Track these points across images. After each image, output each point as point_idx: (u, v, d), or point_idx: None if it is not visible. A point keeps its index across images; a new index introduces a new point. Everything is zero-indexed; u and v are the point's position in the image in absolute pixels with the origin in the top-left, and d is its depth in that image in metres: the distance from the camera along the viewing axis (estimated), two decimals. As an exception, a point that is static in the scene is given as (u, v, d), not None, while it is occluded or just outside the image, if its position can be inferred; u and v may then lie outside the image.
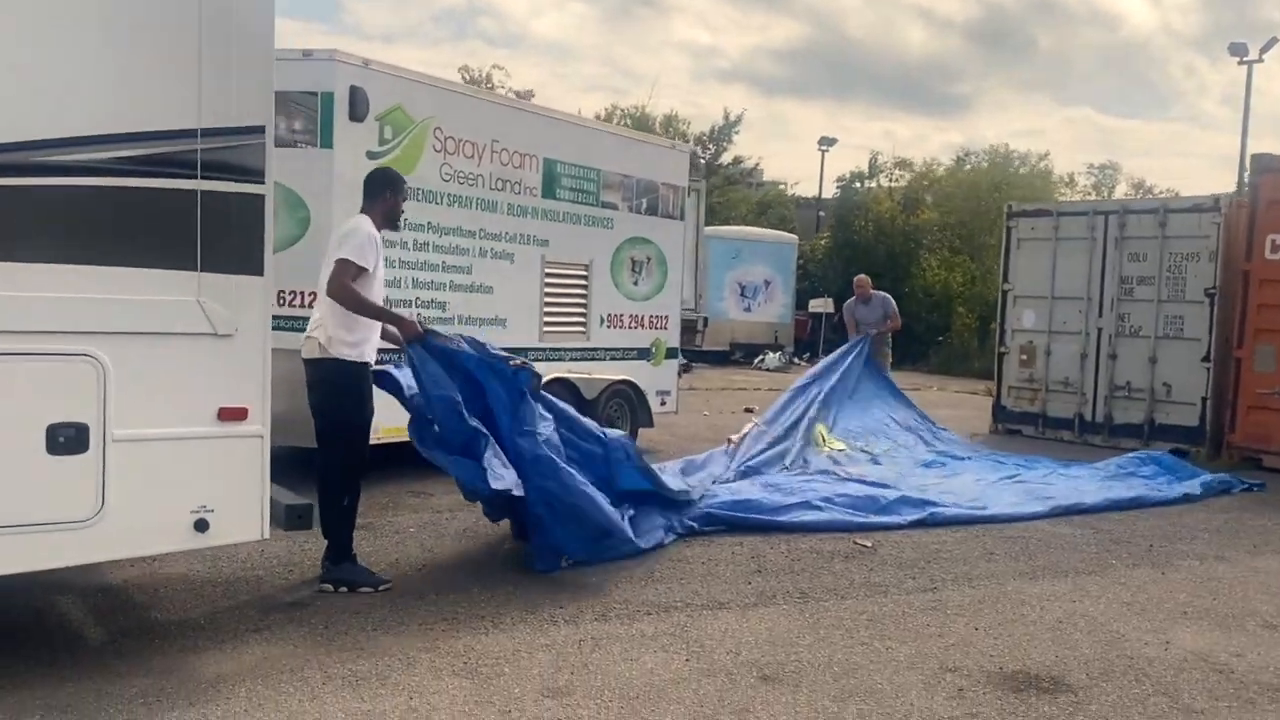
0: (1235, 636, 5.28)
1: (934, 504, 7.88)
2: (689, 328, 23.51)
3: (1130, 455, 10.24)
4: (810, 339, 28.85)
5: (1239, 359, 11.40)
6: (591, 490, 6.03)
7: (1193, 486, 9.11)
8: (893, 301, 12.52)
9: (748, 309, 26.73)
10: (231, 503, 4.23)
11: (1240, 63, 29.80)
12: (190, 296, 4.08)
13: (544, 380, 9.27)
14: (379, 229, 5.46)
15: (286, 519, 4.49)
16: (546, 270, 9.44)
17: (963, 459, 10.41)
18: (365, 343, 5.43)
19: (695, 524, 7.06)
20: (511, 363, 5.84)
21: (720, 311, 26.07)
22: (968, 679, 4.53)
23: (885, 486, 8.27)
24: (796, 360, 27.24)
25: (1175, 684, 4.56)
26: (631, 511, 6.55)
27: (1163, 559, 6.90)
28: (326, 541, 5.43)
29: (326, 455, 5.43)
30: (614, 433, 6.84)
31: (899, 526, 7.45)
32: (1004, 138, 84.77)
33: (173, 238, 4.04)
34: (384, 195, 5.55)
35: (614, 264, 10.24)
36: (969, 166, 41.78)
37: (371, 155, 7.78)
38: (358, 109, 7.66)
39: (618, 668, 4.50)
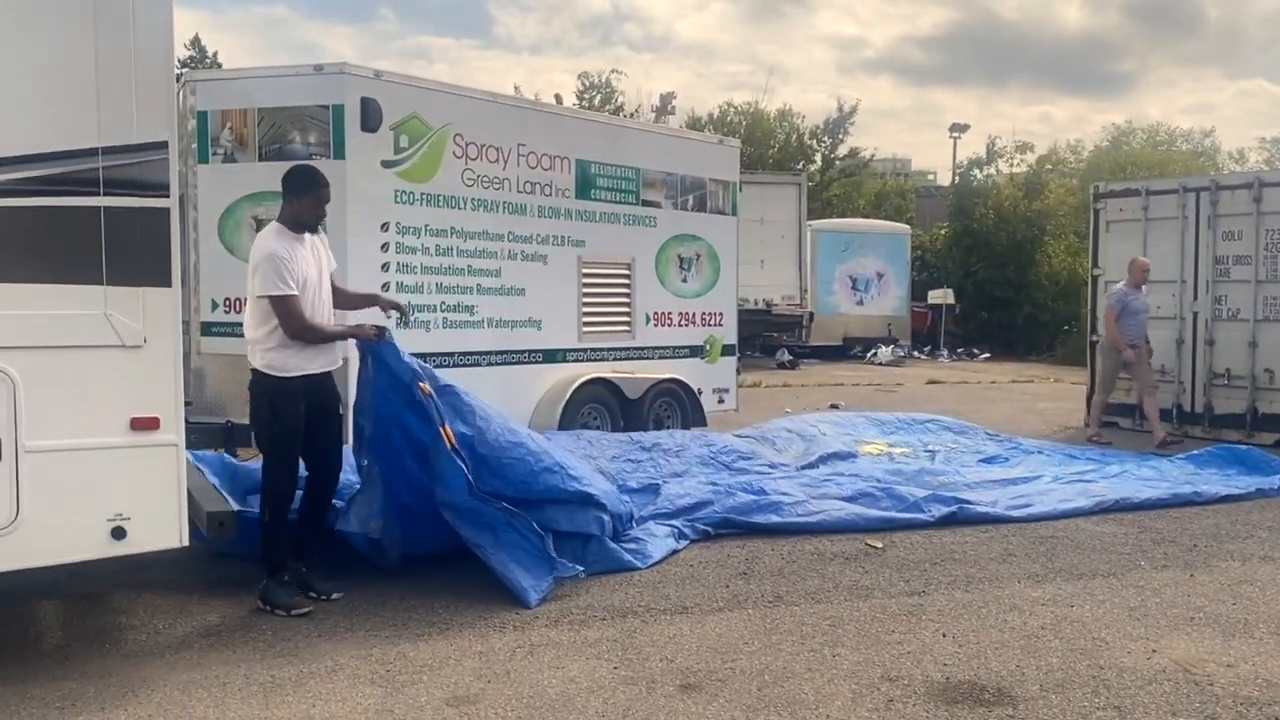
0: (1237, 644, 4.83)
1: (967, 501, 7.48)
2: (793, 323, 23.30)
3: (1210, 449, 9.55)
4: (930, 332, 28.05)
5: (1344, 340, 10.52)
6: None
7: (1271, 482, 8.41)
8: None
9: (860, 302, 26.12)
10: (148, 511, 4.32)
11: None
12: (98, 310, 4.19)
13: (584, 380, 9.36)
14: (293, 231, 5.29)
15: (209, 526, 4.56)
16: (584, 270, 9.40)
17: (1031, 453, 9.89)
18: (291, 359, 5.23)
19: (710, 529, 6.86)
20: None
21: (831, 306, 25.60)
22: (904, 689, 4.26)
23: (918, 482, 7.92)
24: (915, 354, 26.51)
25: (1136, 697, 4.19)
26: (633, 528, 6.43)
27: (1200, 560, 6.39)
28: None
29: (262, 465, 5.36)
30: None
31: (924, 525, 7.11)
32: (1170, 116, 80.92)
33: (78, 253, 4.16)
34: (289, 199, 5.32)
35: (659, 262, 10.12)
36: (1125, 147, 40.13)
37: (386, 164, 7.89)
38: (370, 120, 7.75)
39: (539, 676, 4.40)
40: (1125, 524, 7.34)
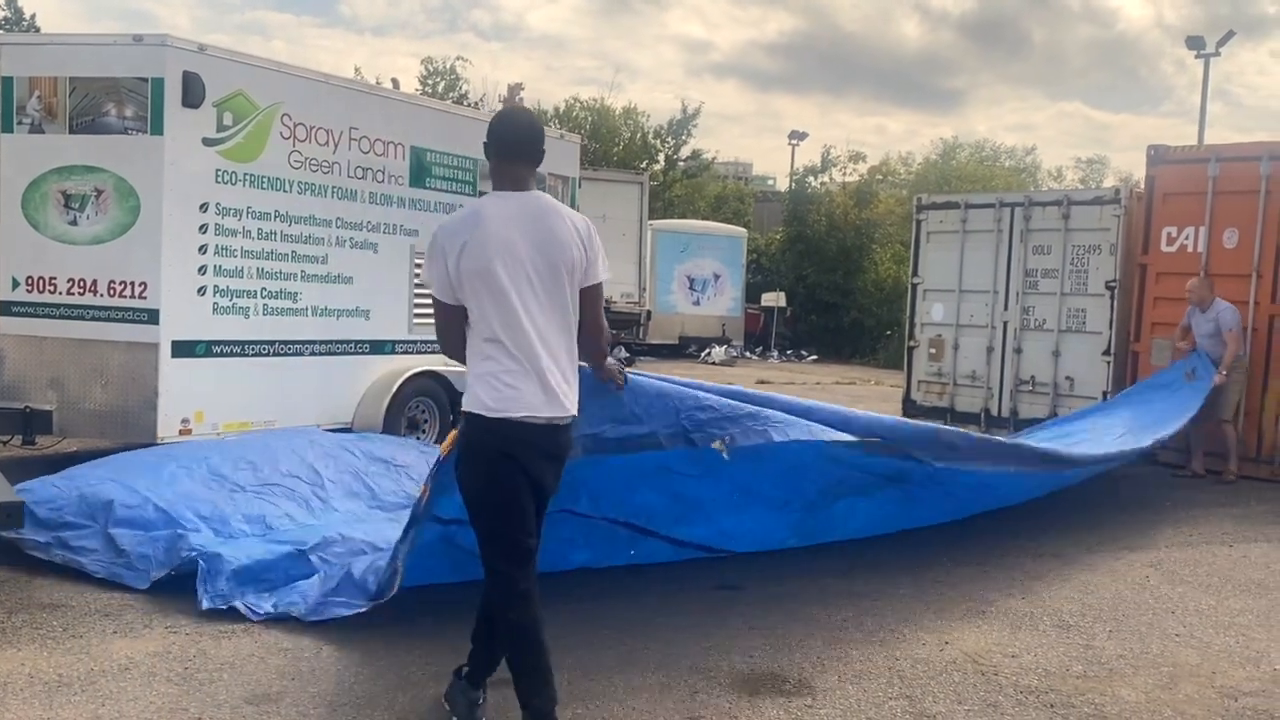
0: (1022, 636, 5.13)
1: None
2: (631, 320, 23.51)
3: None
4: (762, 333, 28.74)
5: (1136, 353, 11.29)
6: None
7: (1061, 482, 8.93)
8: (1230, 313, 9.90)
9: (697, 302, 26.52)
10: (-77, 500, 4.05)
11: (1197, 56, 29.74)
12: None
13: (413, 372, 9.22)
14: None
15: (-6, 517, 4.31)
16: (417, 260, 9.24)
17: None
18: None
19: None
20: None
21: (669, 305, 25.92)
22: (709, 679, 4.37)
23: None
24: (747, 354, 27.12)
25: (927, 687, 4.41)
26: None
27: (995, 556, 6.69)
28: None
29: None
30: None
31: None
32: (996, 133, 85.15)
33: None
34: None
35: (495, 255, 10.05)
36: (954, 161, 41.96)
37: (208, 142, 7.59)
38: (191, 95, 7.43)
39: (345, 674, 4.33)
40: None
